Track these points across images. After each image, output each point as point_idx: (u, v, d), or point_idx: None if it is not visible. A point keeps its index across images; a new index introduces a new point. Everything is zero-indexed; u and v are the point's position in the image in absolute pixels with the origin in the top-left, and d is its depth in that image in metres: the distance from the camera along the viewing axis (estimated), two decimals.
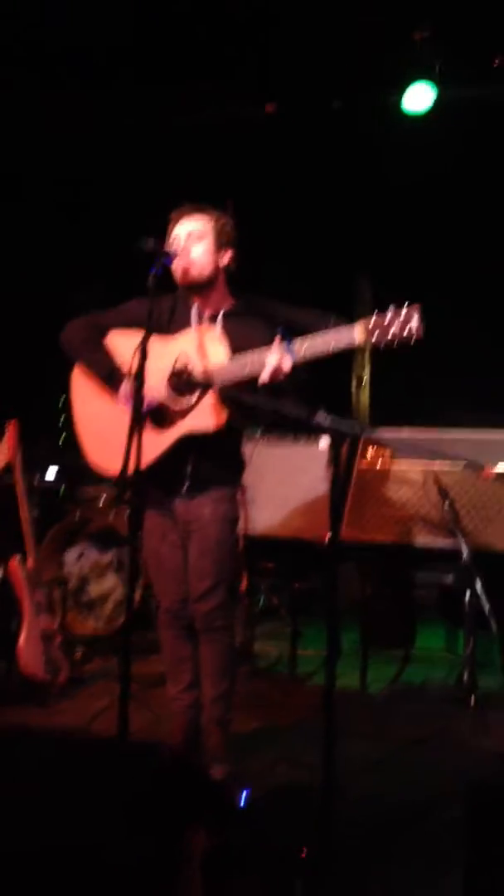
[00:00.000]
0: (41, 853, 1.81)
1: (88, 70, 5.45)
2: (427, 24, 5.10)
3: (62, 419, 6.19)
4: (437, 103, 5.24)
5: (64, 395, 6.13)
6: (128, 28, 5.15)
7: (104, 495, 5.41)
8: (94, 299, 3.28)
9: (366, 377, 7.89)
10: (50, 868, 1.80)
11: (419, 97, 5.24)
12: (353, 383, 7.92)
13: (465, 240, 6.20)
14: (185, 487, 2.97)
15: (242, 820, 2.68)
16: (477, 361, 6.28)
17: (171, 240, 2.99)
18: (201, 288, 2.99)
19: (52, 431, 6.08)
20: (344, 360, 7.58)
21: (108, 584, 5.23)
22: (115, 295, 3.17)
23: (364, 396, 7.87)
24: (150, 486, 2.91)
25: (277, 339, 2.75)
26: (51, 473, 5.77)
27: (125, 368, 2.89)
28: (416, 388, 6.56)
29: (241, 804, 2.77)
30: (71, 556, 5.30)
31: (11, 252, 6.26)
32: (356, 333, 2.62)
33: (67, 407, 3.16)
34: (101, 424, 3.04)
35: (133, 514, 2.58)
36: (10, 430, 4.26)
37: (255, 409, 2.82)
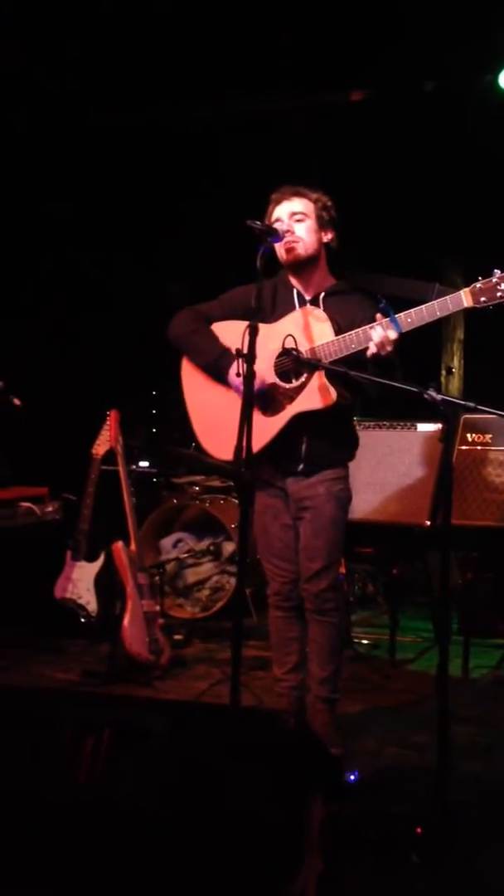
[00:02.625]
0: (171, 807, 1.85)
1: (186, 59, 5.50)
2: None
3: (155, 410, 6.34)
4: None
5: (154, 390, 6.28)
6: (225, 18, 5.18)
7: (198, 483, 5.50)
8: (185, 295, 3.33)
9: (455, 367, 7.79)
10: (181, 826, 1.84)
11: None
12: (443, 373, 7.79)
13: None
14: (299, 467, 2.98)
15: (356, 796, 2.70)
16: None
17: (273, 220, 3.01)
18: (304, 267, 3.01)
19: (146, 422, 6.22)
20: (433, 350, 7.49)
21: (204, 571, 5.30)
22: (204, 291, 3.22)
23: (454, 386, 7.76)
24: (262, 466, 2.93)
25: (380, 313, 2.74)
26: (144, 463, 5.89)
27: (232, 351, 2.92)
28: None
29: (352, 781, 2.79)
30: (167, 542, 5.39)
31: (107, 248, 6.39)
32: (464, 298, 2.61)
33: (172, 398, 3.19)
34: (212, 412, 3.09)
35: (245, 494, 2.60)
36: (112, 418, 4.36)
37: (365, 385, 2.81)
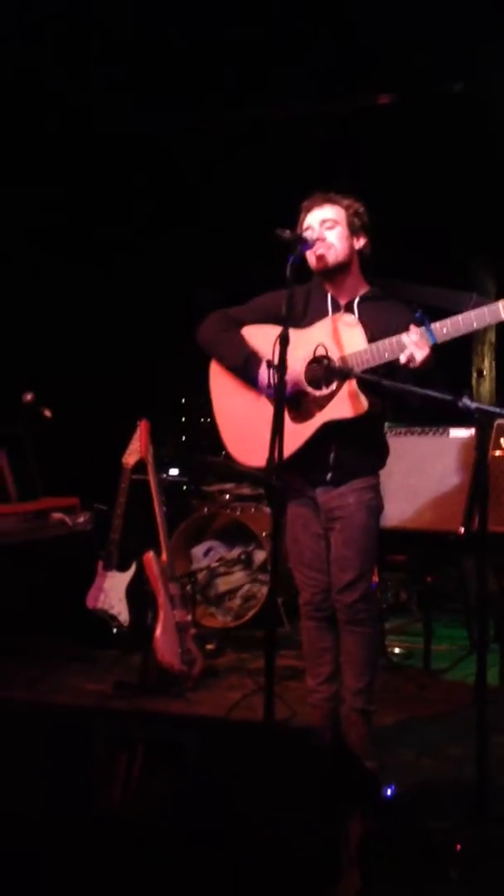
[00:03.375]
0: (204, 825, 1.83)
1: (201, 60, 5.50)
2: None
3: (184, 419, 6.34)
4: None
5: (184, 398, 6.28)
6: (260, 17, 5.16)
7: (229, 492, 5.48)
8: (211, 302, 3.32)
9: (486, 370, 7.71)
10: (215, 845, 1.82)
11: None
12: (474, 376, 7.71)
13: None
14: (328, 476, 2.95)
15: (393, 811, 2.66)
16: None
17: (304, 228, 2.98)
18: (336, 274, 2.98)
19: (176, 431, 6.22)
20: (463, 352, 7.42)
21: (236, 579, 5.28)
22: (232, 298, 3.20)
23: (485, 389, 7.68)
24: (291, 476, 2.91)
25: (415, 322, 2.71)
26: (173, 471, 5.89)
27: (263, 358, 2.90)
28: None
29: (389, 796, 2.74)
30: (198, 551, 5.38)
31: (133, 257, 6.41)
32: (502, 310, 2.56)
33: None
34: (240, 418, 3.06)
35: (277, 503, 2.57)
36: (142, 428, 4.36)
37: (397, 394, 2.78)
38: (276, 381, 2.56)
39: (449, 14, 5.06)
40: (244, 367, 2.99)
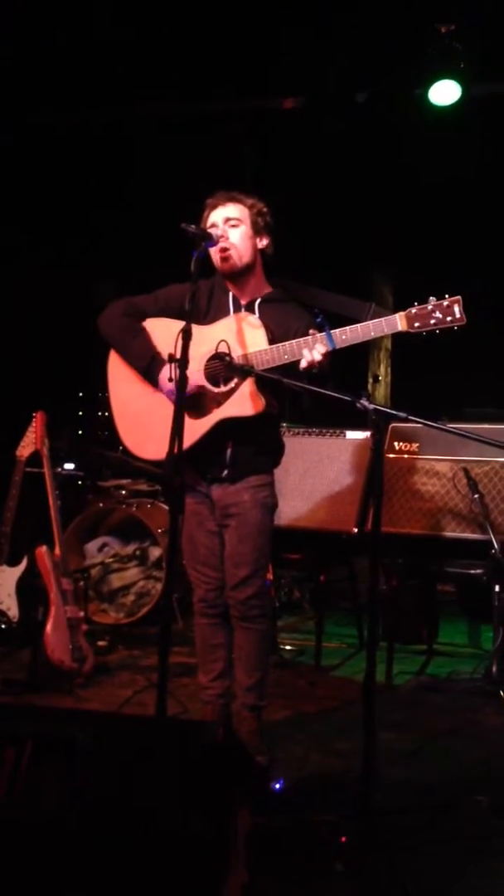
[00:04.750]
0: (95, 820, 1.81)
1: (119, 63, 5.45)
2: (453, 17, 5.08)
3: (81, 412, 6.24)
4: (464, 97, 5.21)
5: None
6: (161, 22, 5.15)
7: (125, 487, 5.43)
8: (110, 294, 3.29)
9: (381, 375, 7.89)
10: (106, 839, 1.80)
11: (445, 92, 5.22)
12: (370, 381, 7.88)
13: (492, 238, 6.20)
14: (224, 473, 2.97)
15: (281, 804, 2.69)
16: (494, 360, 6.27)
17: (208, 225, 2.99)
18: (240, 274, 3.00)
19: (72, 424, 6.11)
20: (359, 357, 7.58)
21: (130, 576, 5.24)
22: (130, 291, 3.18)
23: (380, 394, 7.87)
24: (186, 471, 2.91)
25: (315, 327, 2.75)
26: (69, 465, 5.79)
27: (164, 355, 2.89)
28: (432, 386, 6.55)
29: (278, 790, 2.78)
30: (93, 546, 5.31)
31: (33, 247, 6.28)
32: (398, 322, 2.63)
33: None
34: (136, 409, 3.05)
35: (176, 499, 2.56)
36: (38, 419, 4.27)
37: (295, 394, 2.81)
38: (177, 375, 2.55)
39: (356, 25, 5.17)
40: (147, 368, 2.98)
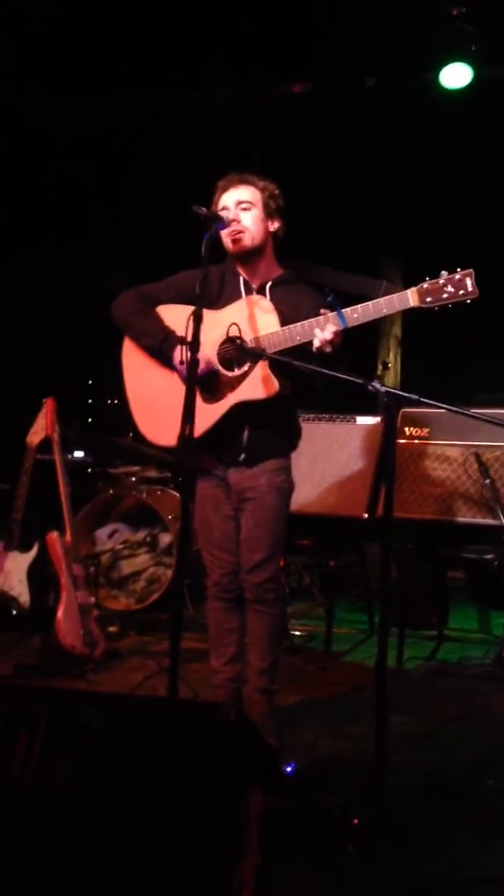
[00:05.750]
0: (107, 801, 1.82)
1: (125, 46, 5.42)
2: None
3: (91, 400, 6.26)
4: (475, 80, 5.17)
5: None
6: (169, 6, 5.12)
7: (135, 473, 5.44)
8: (119, 283, 3.29)
9: (391, 362, 7.87)
10: (118, 820, 1.81)
11: (456, 75, 5.18)
12: (379, 367, 7.86)
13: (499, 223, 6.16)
14: (241, 457, 2.96)
15: (292, 788, 2.70)
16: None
17: (219, 208, 2.97)
18: (251, 256, 2.98)
19: (82, 412, 6.13)
20: (368, 344, 7.55)
21: (140, 562, 5.25)
22: (139, 279, 3.17)
23: (390, 381, 7.84)
24: (202, 456, 2.90)
25: (326, 306, 2.73)
26: (79, 453, 5.81)
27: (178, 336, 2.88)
28: (441, 373, 6.54)
29: (289, 773, 2.78)
30: (103, 533, 5.32)
31: (44, 236, 6.28)
32: (410, 297, 2.61)
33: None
34: (152, 396, 3.04)
35: (187, 483, 2.56)
36: (48, 406, 4.27)
37: (308, 377, 2.80)
38: (188, 358, 2.54)
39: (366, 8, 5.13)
40: (161, 346, 2.97)
